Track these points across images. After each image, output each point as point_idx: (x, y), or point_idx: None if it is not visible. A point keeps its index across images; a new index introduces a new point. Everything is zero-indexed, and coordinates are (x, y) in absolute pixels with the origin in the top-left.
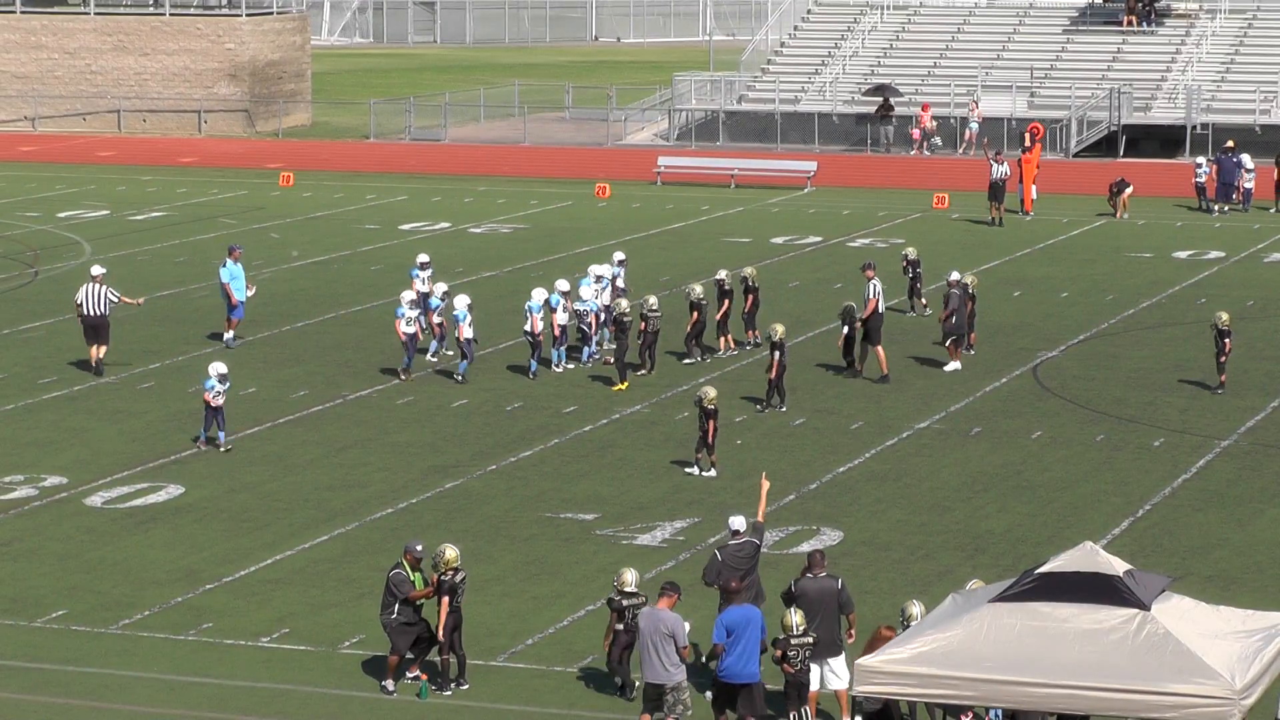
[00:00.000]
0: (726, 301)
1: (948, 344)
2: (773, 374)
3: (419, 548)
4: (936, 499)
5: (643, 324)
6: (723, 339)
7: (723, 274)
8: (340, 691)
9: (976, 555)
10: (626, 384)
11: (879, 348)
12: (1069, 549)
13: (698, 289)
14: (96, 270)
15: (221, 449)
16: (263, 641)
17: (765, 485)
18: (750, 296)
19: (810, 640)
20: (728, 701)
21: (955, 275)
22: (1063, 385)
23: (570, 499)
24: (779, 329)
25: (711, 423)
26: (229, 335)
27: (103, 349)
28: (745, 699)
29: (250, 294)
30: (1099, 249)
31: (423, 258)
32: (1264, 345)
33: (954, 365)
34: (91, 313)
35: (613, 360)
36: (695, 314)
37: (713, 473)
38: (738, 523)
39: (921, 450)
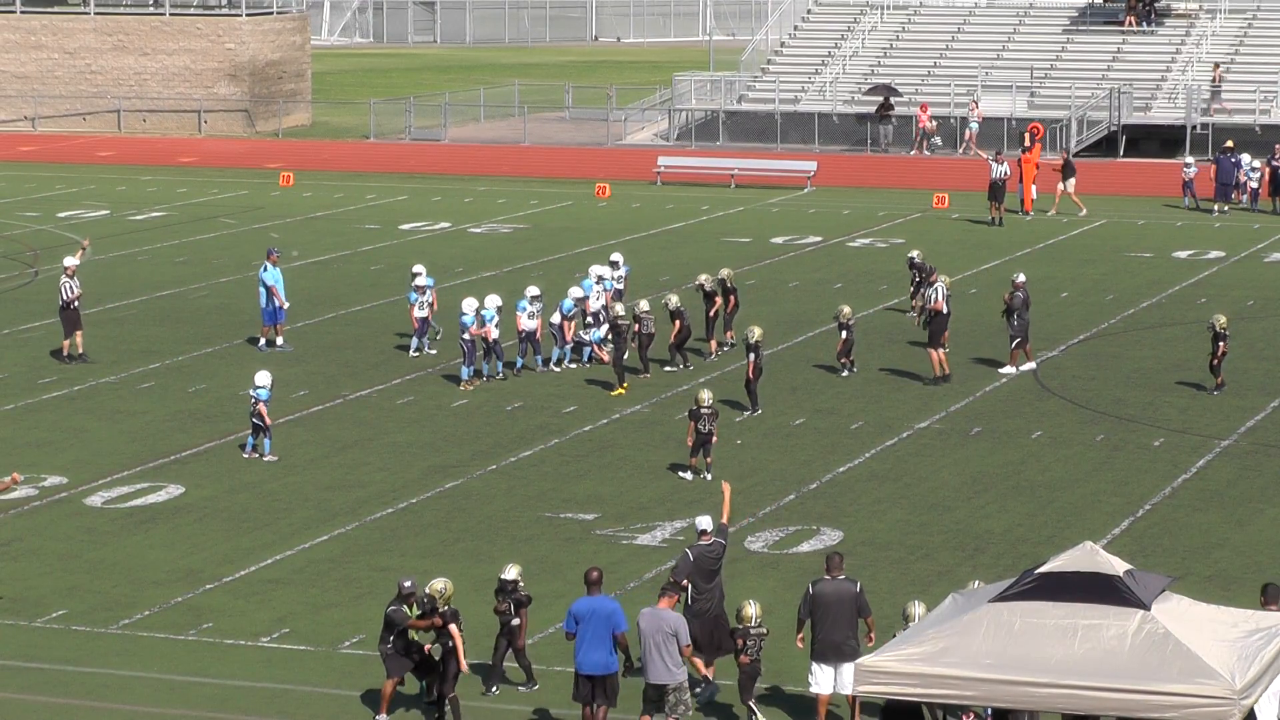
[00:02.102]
0: (717, 301)
1: (1013, 347)
2: (749, 375)
3: (407, 584)
4: (936, 499)
5: (636, 325)
6: (712, 342)
7: (703, 278)
8: (340, 691)
9: (976, 555)
10: (627, 386)
11: (935, 351)
12: (1069, 549)
13: (674, 299)
14: (68, 261)
15: (265, 458)
16: (263, 641)
17: (727, 490)
18: (730, 298)
19: (765, 632)
20: (589, 693)
21: (1021, 278)
22: (1063, 385)
23: (570, 499)
24: (755, 331)
25: (693, 424)
26: (281, 341)
27: (69, 341)
28: (600, 690)
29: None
30: (1099, 249)
31: (418, 268)
32: (1264, 345)
33: (1011, 368)
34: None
35: (608, 361)
36: (677, 323)
37: (693, 476)
38: (705, 522)
39: (921, 450)
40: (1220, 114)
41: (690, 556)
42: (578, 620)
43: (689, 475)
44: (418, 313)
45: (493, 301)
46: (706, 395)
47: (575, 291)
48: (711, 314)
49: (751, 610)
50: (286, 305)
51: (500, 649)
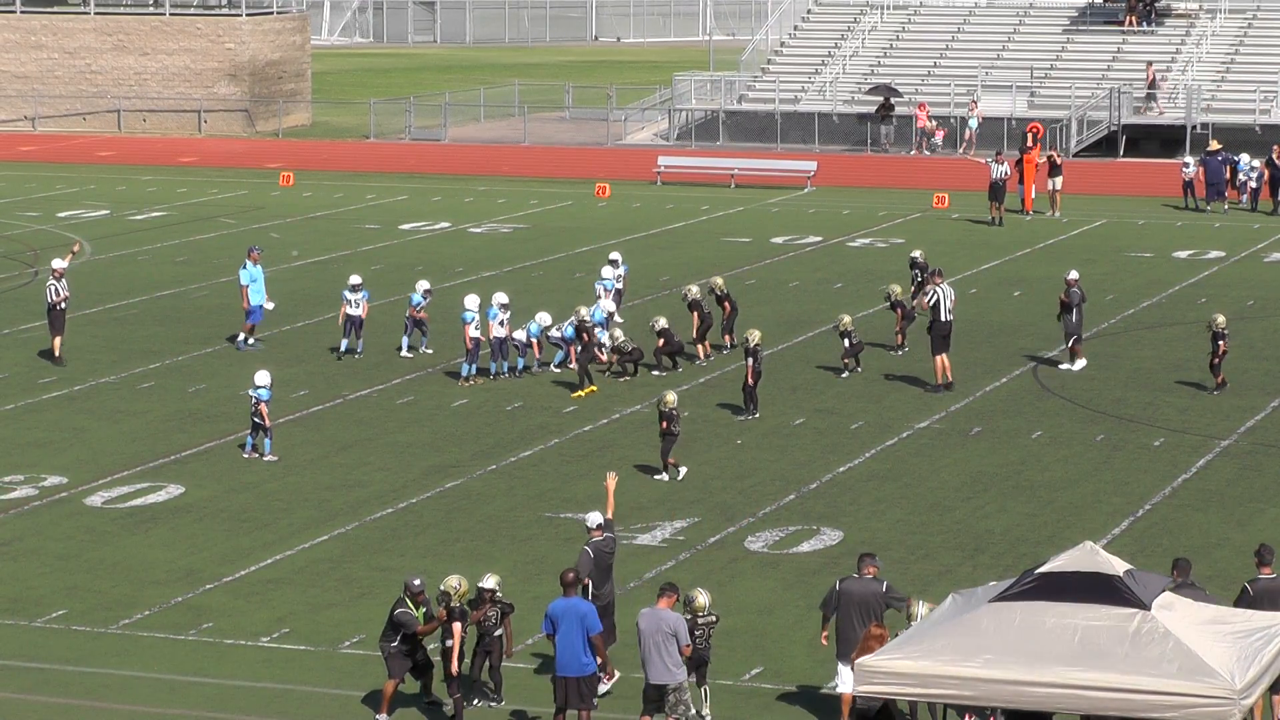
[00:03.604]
0: (695, 314)
1: (1071, 344)
2: (749, 380)
3: (417, 582)
4: (936, 499)
5: (614, 355)
6: (700, 346)
7: (692, 289)
8: (340, 691)
9: (976, 555)
10: (595, 387)
11: (941, 356)
12: (1069, 549)
13: (662, 320)
14: (56, 263)
15: (265, 458)
16: (263, 641)
17: (611, 484)
18: (725, 304)
19: (714, 619)
20: (564, 695)
21: (1074, 275)
22: (1063, 385)
23: (570, 499)
24: (754, 335)
25: (665, 425)
26: (241, 337)
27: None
28: (574, 692)
29: (269, 307)
30: (1099, 249)
31: (355, 279)
32: (1264, 345)
33: (1081, 363)
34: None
35: (606, 361)
36: (661, 340)
37: (664, 477)
38: (595, 518)
39: (921, 450)
40: (1151, 114)
41: (590, 554)
42: (554, 622)
43: (682, 471)
44: (418, 314)
45: (499, 299)
46: (673, 396)
47: (500, 297)
48: (696, 330)
49: (704, 600)
50: (269, 306)
51: (477, 660)
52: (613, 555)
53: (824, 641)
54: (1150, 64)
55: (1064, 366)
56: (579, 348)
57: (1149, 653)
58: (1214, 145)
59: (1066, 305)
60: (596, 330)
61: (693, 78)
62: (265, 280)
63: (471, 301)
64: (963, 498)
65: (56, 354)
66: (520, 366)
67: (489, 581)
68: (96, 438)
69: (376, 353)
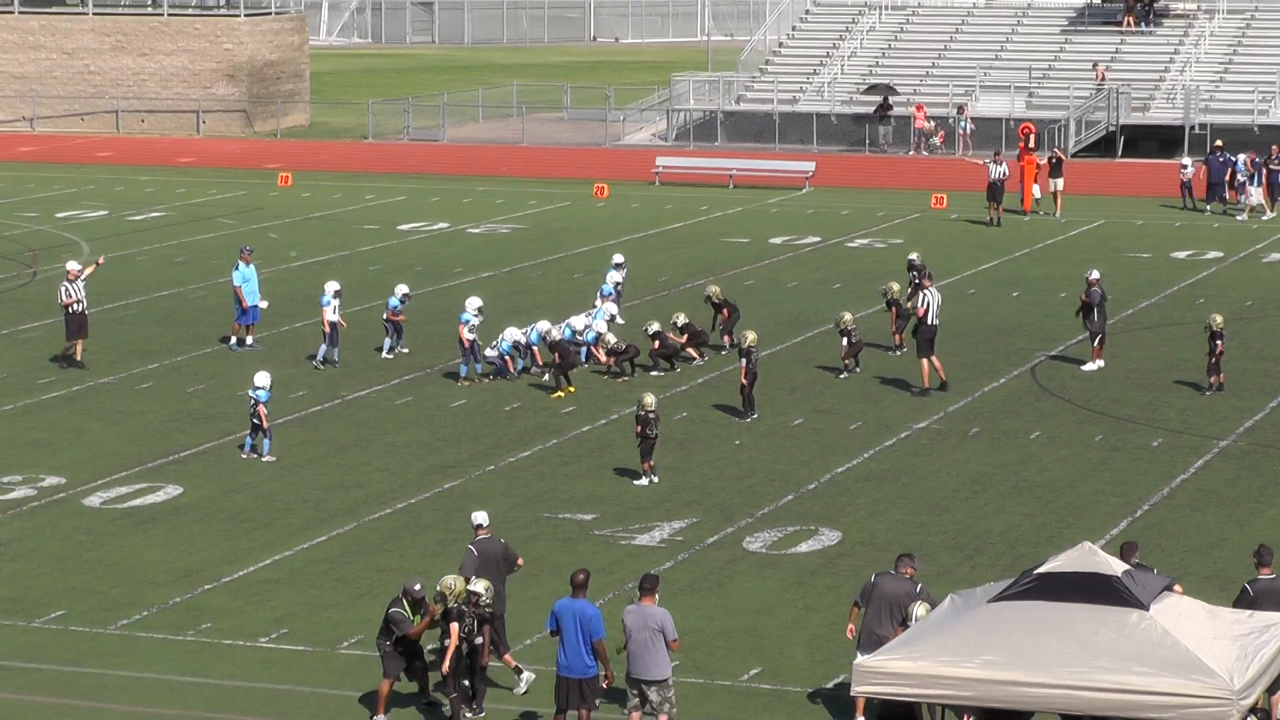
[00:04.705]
0: (687, 335)
1: (1096, 344)
2: (743, 380)
3: (417, 586)
4: (935, 499)
5: (610, 358)
6: (693, 349)
7: (680, 316)
8: (339, 691)
9: (975, 555)
10: (573, 388)
11: (933, 358)
12: (1068, 549)
13: (655, 324)
14: (71, 265)
15: (264, 458)
16: (261, 642)
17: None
18: (725, 310)
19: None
20: (565, 697)
21: (1095, 274)
22: (1061, 385)
23: (569, 499)
24: (749, 336)
25: (640, 429)
26: (234, 340)
27: (70, 344)
28: (575, 693)
29: (263, 306)
30: (1097, 249)
31: (333, 285)
32: (1262, 345)
33: (1092, 365)
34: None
35: (604, 361)
36: (657, 342)
37: (643, 481)
38: (480, 517)
39: (920, 450)
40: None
41: (475, 553)
42: (558, 620)
43: (655, 477)
44: (398, 318)
45: (473, 303)
46: (651, 399)
47: (577, 323)
48: (685, 342)
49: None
50: (263, 305)
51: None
52: (500, 557)
53: (849, 634)
54: (1097, 64)
55: (1088, 365)
56: (558, 355)
57: (1147, 653)
58: (1218, 144)
59: (1087, 305)
60: (587, 331)
61: (691, 78)
62: (259, 280)
63: (473, 303)
64: (961, 498)
65: (64, 354)
66: (520, 368)
67: (477, 586)
68: (95, 438)
69: (375, 353)
